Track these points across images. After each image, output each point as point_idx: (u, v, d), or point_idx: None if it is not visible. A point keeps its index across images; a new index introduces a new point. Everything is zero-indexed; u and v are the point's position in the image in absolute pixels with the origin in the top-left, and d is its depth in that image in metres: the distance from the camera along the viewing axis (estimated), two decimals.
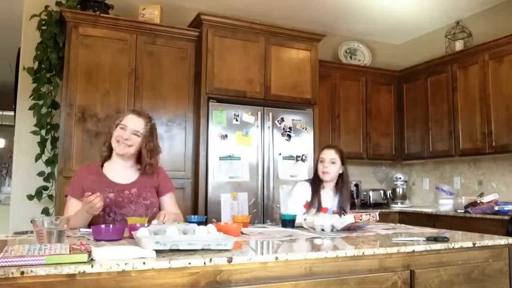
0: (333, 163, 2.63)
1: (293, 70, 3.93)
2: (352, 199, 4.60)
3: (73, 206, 2.03)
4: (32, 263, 1.09)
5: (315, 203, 2.58)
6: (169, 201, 2.20)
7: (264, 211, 3.62)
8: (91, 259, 1.17)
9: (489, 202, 3.67)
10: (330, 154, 2.65)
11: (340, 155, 2.67)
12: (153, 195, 2.14)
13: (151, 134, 2.10)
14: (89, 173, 2.09)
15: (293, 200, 2.64)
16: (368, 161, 4.84)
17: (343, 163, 2.68)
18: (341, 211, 2.55)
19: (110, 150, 2.11)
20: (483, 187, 4.19)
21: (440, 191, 4.26)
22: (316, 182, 2.67)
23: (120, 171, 2.11)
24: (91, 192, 1.84)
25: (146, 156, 2.08)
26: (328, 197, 2.65)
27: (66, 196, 2.11)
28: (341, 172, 2.67)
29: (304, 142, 3.86)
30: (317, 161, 2.74)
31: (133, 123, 2.05)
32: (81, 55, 3.35)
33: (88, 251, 1.18)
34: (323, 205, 2.59)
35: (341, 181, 2.68)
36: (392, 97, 4.90)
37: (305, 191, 2.64)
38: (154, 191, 2.16)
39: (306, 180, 2.78)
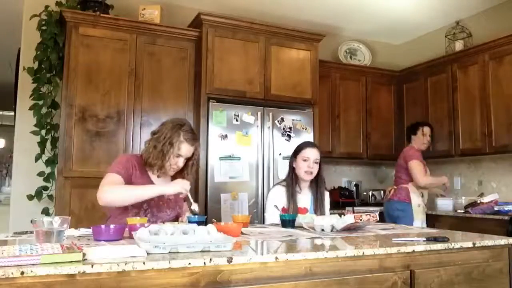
0: (316, 163, 2.57)
1: (293, 70, 3.93)
2: (352, 199, 4.61)
3: (118, 179, 1.98)
4: (28, 263, 1.09)
5: (291, 207, 2.52)
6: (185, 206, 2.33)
7: (264, 211, 3.61)
8: (85, 259, 1.17)
9: (489, 202, 3.67)
10: (315, 154, 2.58)
11: (320, 155, 2.62)
12: (182, 205, 2.27)
13: (199, 156, 2.22)
14: (136, 168, 2.09)
15: (270, 207, 2.57)
16: (368, 161, 4.84)
17: (321, 161, 2.63)
18: (320, 210, 2.56)
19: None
20: (483, 187, 4.19)
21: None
22: (292, 182, 2.59)
23: (166, 179, 2.19)
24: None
25: (188, 173, 2.19)
26: (306, 197, 2.60)
27: (108, 172, 2.01)
28: (321, 169, 2.63)
29: None
30: (293, 158, 2.63)
31: (189, 153, 2.12)
32: (81, 55, 3.35)
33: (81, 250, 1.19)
34: (302, 205, 2.55)
35: (319, 179, 2.61)
36: (392, 97, 4.90)
37: (281, 196, 2.57)
38: (182, 201, 2.28)
39: (281, 183, 2.67)
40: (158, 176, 2.13)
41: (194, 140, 2.12)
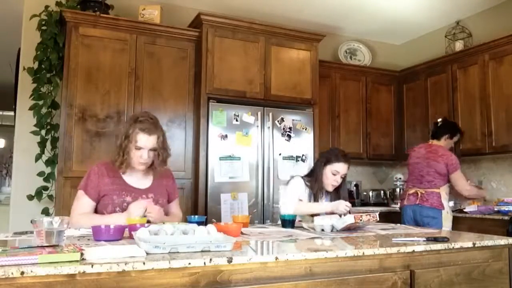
0: (342, 177, 2.60)
1: (293, 70, 3.93)
2: (352, 199, 4.61)
3: (87, 203, 2.07)
4: (26, 263, 1.09)
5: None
6: (175, 206, 2.31)
7: (264, 211, 3.62)
8: (83, 258, 1.17)
9: (474, 210, 3.66)
10: (345, 169, 2.58)
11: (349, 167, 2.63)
12: (165, 200, 2.23)
13: (164, 144, 2.14)
14: (105, 175, 2.10)
15: (292, 196, 2.56)
16: (368, 161, 4.84)
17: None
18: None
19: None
20: (483, 187, 4.18)
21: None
22: (316, 188, 2.59)
23: (138, 175, 2.17)
24: (105, 194, 2.04)
25: (159, 164, 2.13)
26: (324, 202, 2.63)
27: (79, 189, 2.10)
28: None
29: (304, 142, 3.86)
30: (322, 165, 2.61)
31: (148, 143, 2.06)
32: (81, 55, 3.35)
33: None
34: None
35: (340, 189, 2.64)
36: (392, 97, 4.90)
37: (301, 188, 2.59)
38: (166, 195, 2.25)
39: (304, 178, 2.68)
40: (123, 173, 2.12)
41: (150, 130, 2.06)
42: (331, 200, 2.61)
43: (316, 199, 2.58)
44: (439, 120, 3.80)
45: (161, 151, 2.11)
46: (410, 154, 3.74)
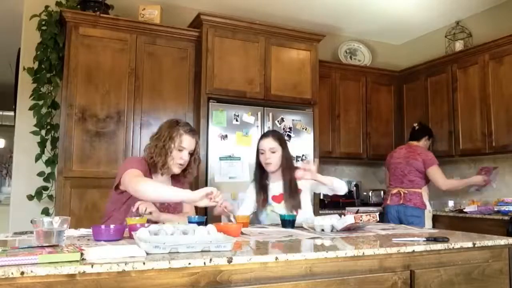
0: (273, 152, 2.45)
1: (293, 70, 3.93)
2: (352, 199, 4.61)
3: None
4: (26, 263, 1.09)
5: (260, 199, 2.47)
6: (189, 207, 2.29)
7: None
8: (83, 258, 1.17)
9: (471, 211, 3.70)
10: (268, 144, 2.46)
11: (279, 141, 2.48)
12: (181, 206, 2.25)
13: (199, 150, 2.22)
14: (146, 171, 2.11)
15: (243, 205, 2.56)
16: (368, 161, 4.84)
17: (283, 146, 2.50)
18: (293, 198, 2.43)
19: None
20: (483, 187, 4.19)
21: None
22: (261, 175, 2.52)
23: (162, 179, 2.19)
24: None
25: (192, 169, 2.20)
26: (277, 184, 2.50)
27: (131, 168, 2.03)
28: (284, 155, 2.49)
29: (304, 142, 3.86)
30: (257, 152, 2.53)
31: (191, 145, 2.14)
32: (81, 55, 3.35)
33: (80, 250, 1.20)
34: (275, 193, 2.49)
35: (287, 164, 2.48)
36: (392, 97, 4.90)
37: (251, 193, 2.55)
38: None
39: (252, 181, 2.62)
40: (161, 174, 2.16)
41: (193, 132, 2.18)
42: (284, 182, 2.49)
43: (263, 189, 2.51)
44: (416, 124, 4.06)
45: (197, 156, 2.20)
46: (392, 155, 3.94)
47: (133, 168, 2.02)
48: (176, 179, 2.26)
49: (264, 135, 2.58)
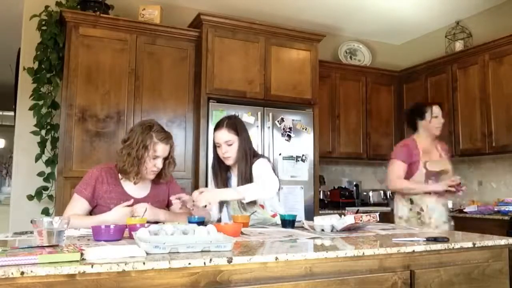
0: (230, 145, 2.24)
1: (293, 70, 3.93)
2: (352, 199, 4.61)
3: (81, 207, 2.05)
4: (25, 263, 1.09)
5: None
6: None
7: None
8: (83, 258, 1.17)
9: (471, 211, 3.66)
10: (223, 136, 2.24)
11: (234, 131, 2.25)
12: (164, 206, 2.21)
13: (173, 153, 2.17)
14: (105, 182, 2.09)
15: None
16: (368, 161, 4.84)
17: (240, 135, 2.26)
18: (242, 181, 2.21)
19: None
20: (483, 187, 4.19)
21: None
22: (220, 168, 2.34)
23: (138, 184, 2.15)
24: (102, 202, 2.05)
25: (166, 173, 2.16)
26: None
27: (74, 192, 2.09)
28: (242, 146, 2.25)
29: (304, 142, 3.86)
30: (213, 145, 2.33)
31: (165, 152, 2.10)
32: (81, 55, 3.35)
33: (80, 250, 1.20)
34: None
35: (242, 154, 2.25)
36: (392, 97, 4.90)
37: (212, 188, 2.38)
38: (165, 202, 2.24)
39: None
40: (135, 183, 2.11)
41: (167, 139, 2.10)
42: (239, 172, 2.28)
43: (222, 184, 2.34)
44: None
45: (171, 159, 2.15)
46: None
47: (77, 195, 2.05)
48: (156, 182, 2.22)
49: (217, 126, 2.29)
